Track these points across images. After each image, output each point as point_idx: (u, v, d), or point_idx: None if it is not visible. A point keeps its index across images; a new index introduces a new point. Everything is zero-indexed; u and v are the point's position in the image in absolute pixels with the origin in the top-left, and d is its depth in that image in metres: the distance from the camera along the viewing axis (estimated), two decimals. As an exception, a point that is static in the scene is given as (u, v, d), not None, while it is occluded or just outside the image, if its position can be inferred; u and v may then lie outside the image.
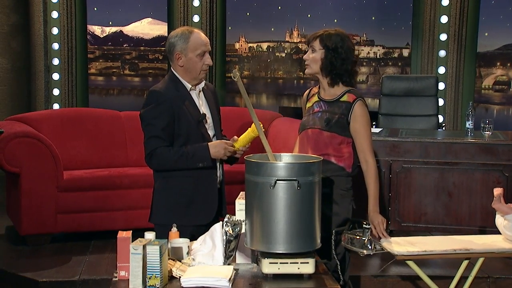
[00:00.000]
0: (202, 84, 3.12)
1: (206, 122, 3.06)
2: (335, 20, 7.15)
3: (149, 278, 2.26)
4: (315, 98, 3.07)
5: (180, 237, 2.64)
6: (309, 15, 7.34)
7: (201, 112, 3.04)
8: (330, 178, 2.92)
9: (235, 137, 3.08)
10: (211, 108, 3.13)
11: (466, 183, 4.66)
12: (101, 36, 7.48)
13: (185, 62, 3.01)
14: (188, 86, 3.05)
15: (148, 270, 2.27)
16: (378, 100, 6.19)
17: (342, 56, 2.94)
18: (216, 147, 2.97)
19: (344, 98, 2.98)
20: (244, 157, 2.49)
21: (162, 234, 2.63)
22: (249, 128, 2.99)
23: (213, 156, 2.96)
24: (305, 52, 3.07)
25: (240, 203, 2.57)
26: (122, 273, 2.39)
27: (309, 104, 3.10)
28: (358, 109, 2.95)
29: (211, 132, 3.09)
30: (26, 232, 4.49)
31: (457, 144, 4.66)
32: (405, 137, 4.76)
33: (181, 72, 3.04)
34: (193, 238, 2.69)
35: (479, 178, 4.64)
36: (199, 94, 3.10)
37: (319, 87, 3.08)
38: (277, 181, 2.34)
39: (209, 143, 2.98)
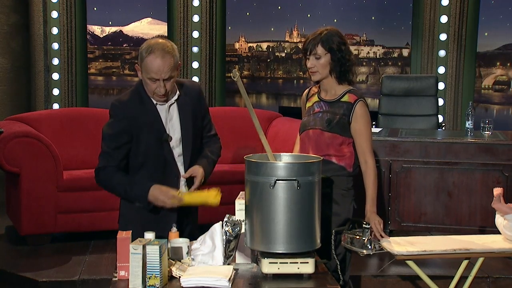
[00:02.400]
0: (175, 97, 2.81)
1: (171, 140, 2.79)
2: (335, 20, 7.15)
3: (149, 278, 2.26)
4: (315, 98, 3.06)
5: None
6: (309, 15, 7.34)
7: (166, 131, 2.78)
8: (331, 178, 2.91)
9: (192, 188, 2.81)
10: (183, 123, 2.83)
11: (466, 183, 4.66)
12: (101, 36, 7.48)
13: (142, 78, 2.75)
14: (154, 100, 2.77)
15: (148, 270, 2.27)
16: (378, 100, 6.19)
17: (347, 52, 2.95)
18: (156, 191, 2.71)
19: (345, 98, 2.96)
20: (244, 157, 2.49)
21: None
22: (209, 193, 2.73)
23: (150, 200, 2.73)
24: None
25: (240, 203, 2.56)
26: (122, 273, 2.39)
27: (309, 104, 3.08)
28: (359, 110, 2.94)
29: (176, 152, 2.82)
30: (26, 232, 4.49)
31: (457, 144, 4.66)
32: (405, 137, 4.76)
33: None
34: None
35: (479, 178, 4.64)
36: (169, 108, 2.81)
37: (319, 87, 3.07)
38: (277, 181, 2.33)
39: (154, 186, 2.71)
